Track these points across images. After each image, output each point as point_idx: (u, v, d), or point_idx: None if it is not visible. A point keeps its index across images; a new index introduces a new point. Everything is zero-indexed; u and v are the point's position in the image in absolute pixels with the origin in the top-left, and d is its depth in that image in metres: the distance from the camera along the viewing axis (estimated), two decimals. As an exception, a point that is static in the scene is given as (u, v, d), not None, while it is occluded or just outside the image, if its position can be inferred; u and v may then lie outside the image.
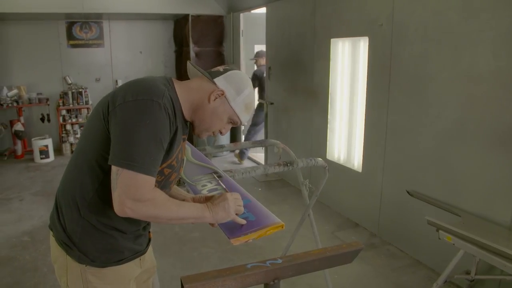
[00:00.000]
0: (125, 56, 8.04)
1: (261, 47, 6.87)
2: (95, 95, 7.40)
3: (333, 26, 4.41)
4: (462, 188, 3.07)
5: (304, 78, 5.08)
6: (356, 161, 4.41)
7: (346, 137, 4.57)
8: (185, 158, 2.34)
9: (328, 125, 4.71)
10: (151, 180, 1.34)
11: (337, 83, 4.57)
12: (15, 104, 7.04)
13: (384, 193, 3.87)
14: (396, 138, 3.68)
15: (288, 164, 2.58)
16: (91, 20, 7.60)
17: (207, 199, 1.61)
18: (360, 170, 4.24)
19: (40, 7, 6.26)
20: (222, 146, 3.09)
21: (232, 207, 1.52)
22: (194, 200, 1.68)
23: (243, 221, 1.56)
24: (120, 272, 1.58)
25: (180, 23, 7.80)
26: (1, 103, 7.00)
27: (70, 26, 7.49)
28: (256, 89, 6.57)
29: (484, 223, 2.86)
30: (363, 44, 4.10)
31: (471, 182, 3.01)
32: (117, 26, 7.88)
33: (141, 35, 8.07)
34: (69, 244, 1.49)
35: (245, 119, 1.61)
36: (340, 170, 4.54)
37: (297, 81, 5.29)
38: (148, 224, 1.69)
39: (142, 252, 1.67)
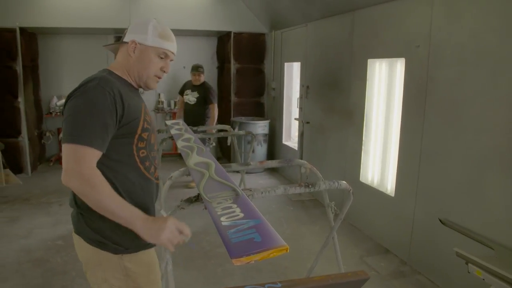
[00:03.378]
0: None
1: (291, 65, 6.90)
2: (138, 107, 7.64)
3: (371, 46, 4.35)
4: (496, 219, 2.90)
5: (341, 98, 5.02)
6: (390, 185, 4.28)
7: (380, 160, 4.46)
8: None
9: (363, 147, 4.61)
10: (91, 151, 1.45)
11: (373, 104, 4.48)
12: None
13: (416, 220, 3.73)
14: (430, 163, 3.55)
15: (310, 186, 2.53)
16: (138, 35, 7.88)
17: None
18: (393, 194, 4.11)
19: (91, 22, 6.61)
20: (248, 164, 3.09)
21: (167, 233, 1.49)
22: None
23: (171, 248, 1.55)
24: (151, 255, 1.76)
25: (223, 40, 7.96)
26: (51, 111, 7.40)
27: (118, 40, 7.79)
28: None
29: (519, 258, 2.68)
30: (400, 65, 4.01)
31: (506, 213, 2.84)
32: (162, 41, 8.12)
33: (185, 51, 8.27)
34: (102, 240, 1.61)
35: (171, 46, 1.75)
36: (373, 194, 4.43)
37: (333, 100, 5.24)
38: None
39: None
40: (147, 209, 1.71)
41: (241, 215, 1.88)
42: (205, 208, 1.94)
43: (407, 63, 3.78)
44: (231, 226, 1.78)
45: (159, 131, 5.17)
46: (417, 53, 3.59)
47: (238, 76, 7.55)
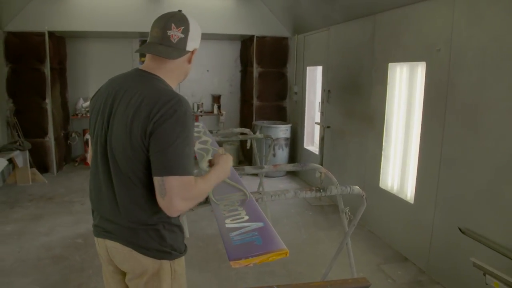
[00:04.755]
0: (192, 74, 8.19)
1: (314, 69, 6.86)
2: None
3: (391, 50, 4.27)
4: (518, 230, 2.79)
5: (361, 102, 4.95)
6: (409, 192, 4.18)
7: (400, 166, 4.36)
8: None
9: (383, 152, 4.53)
10: (192, 178, 1.49)
11: (393, 109, 4.40)
12: (88, 115, 7.57)
13: (435, 228, 3.62)
14: (450, 170, 3.45)
15: (321, 190, 2.50)
16: (163, 39, 8.01)
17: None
18: (412, 201, 4.01)
19: (117, 26, 6.76)
20: (261, 167, 3.07)
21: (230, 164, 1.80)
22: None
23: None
24: (182, 263, 1.79)
25: (246, 44, 7.99)
26: (77, 113, 7.59)
27: (143, 44, 7.93)
28: None
29: (541, 271, 2.57)
30: (420, 69, 3.93)
31: (528, 224, 2.73)
32: (186, 45, 8.21)
33: (208, 54, 8.35)
34: (162, 249, 1.65)
35: None
36: (392, 200, 4.34)
37: (354, 105, 5.17)
38: None
39: None
40: None
41: (246, 217, 1.88)
42: (213, 211, 1.95)
43: (428, 67, 3.69)
44: (234, 229, 1.77)
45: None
46: (438, 57, 3.50)
47: (260, 80, 7.55)
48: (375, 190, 4.55)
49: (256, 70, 7.49)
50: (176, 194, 1.44)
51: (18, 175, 6.35)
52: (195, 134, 3.93)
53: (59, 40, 7.16)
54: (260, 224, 1.77)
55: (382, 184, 4.56)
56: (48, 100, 6.65)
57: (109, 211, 1.65)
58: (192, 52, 1.70)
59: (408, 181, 4.21)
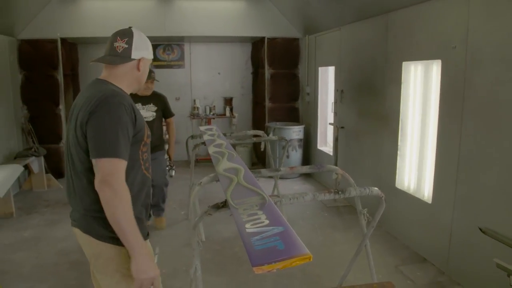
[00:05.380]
0: (203, 77, 8.39)
1: (326, 69, 6.82)
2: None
3: (405, 48, 4.23)
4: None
5: (375, 102, 4.91)
6: (426, 192, 4.13)
7: (416, 166, 4.31)
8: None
9: (399, 152, 4.48)
10: (122, 163, 1.66)
11: (408, 108, 4.35)
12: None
13: (454, 228, 3.57)
14: (468, 169, 3.39)
15: (340, 192, 2.47)
16: (173, 42, 8.05)
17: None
18: (430, 201, 3.96)
19: (128, 31, 6.77)
20: (278, 170, 3.05)
21: (146, 280, 1.67)
22: None
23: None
24: (148, 245, 1.92)
25: (257, 46, 7.98)
26: (90, 118, 7.64)
27: (154, 48, 7.97)
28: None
29: None
30: (435, 67, 3.88)
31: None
32: (197, 48, 8.27)
33: (219, 57, 8.37)
34: (114, 235, 1.71)
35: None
36: (409, 200, 4.28)
37: (368, 105, 5.13)
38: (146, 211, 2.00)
39: None
40: (147, 205, 1.97)
41: (266, 222, 1.86)
42: (231, 215, 1.94)
43: (443, 65, 3.64)
44: (255, 233, 1.75)
45: (192, 137, 5.23)
46: (454, 55, 3.45)
47: (272, 81, 7.53)
48: (392, 190, 4.50)
49: (267, 71, 7.48)
50: (103, 172, 1.60)
51: (33, 181, 6.42)
52: (209, 137, 3.94)
53: (71, 46, 7.23)
54: (280, 229, 1.76)
55: (398, 184, 4.51)
56: (61, 106, 6.73)
57: (73, 201, 1.85)
58: (140, 60, 1.89)
59: (425, 181, 4.16)
